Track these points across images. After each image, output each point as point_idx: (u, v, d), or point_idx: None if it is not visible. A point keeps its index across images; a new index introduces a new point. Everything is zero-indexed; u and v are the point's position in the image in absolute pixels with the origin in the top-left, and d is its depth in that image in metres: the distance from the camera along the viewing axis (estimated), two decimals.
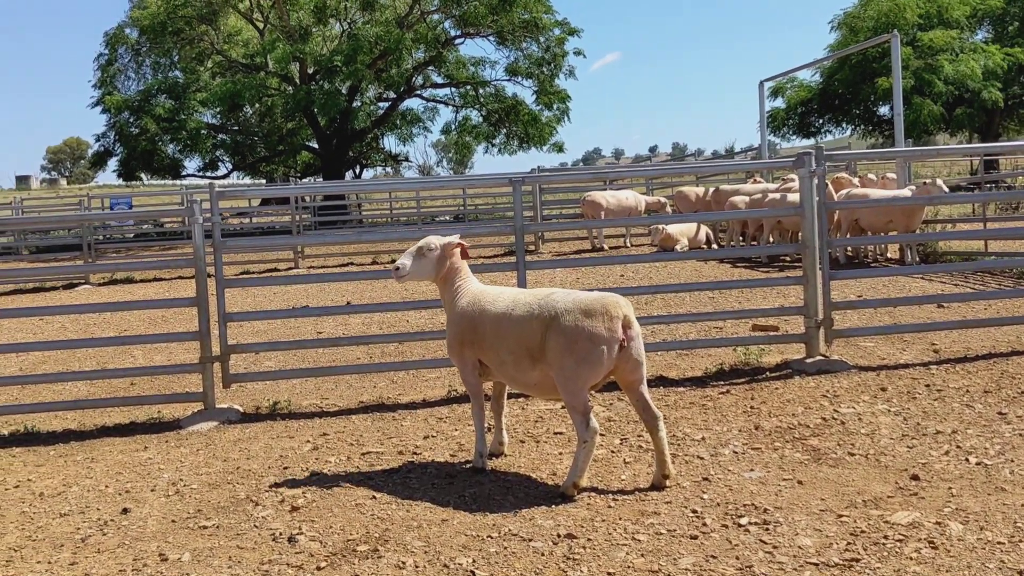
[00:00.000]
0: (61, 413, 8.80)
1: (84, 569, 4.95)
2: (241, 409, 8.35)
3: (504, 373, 6.02)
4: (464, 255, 6.46)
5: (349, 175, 43.77)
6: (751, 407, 7.33)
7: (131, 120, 38.62)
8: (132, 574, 4.83)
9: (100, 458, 7.21)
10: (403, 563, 4.70)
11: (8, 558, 5.21)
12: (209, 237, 8.51)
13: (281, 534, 5.22)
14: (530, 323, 5.74)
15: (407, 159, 48.98)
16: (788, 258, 16.91)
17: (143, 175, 42.75)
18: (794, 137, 47.57)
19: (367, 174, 49.15)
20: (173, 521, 5.61)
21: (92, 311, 10.01)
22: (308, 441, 7.20)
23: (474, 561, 4.68)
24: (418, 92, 41.34)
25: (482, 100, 39.92)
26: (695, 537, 4.81)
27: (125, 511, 5.86)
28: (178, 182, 47.88)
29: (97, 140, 41.85)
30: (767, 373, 8.45)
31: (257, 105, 39.48)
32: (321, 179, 41.47)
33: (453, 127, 42.02)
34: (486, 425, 6.39)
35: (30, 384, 9.90)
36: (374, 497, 5.78)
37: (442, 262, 6.33)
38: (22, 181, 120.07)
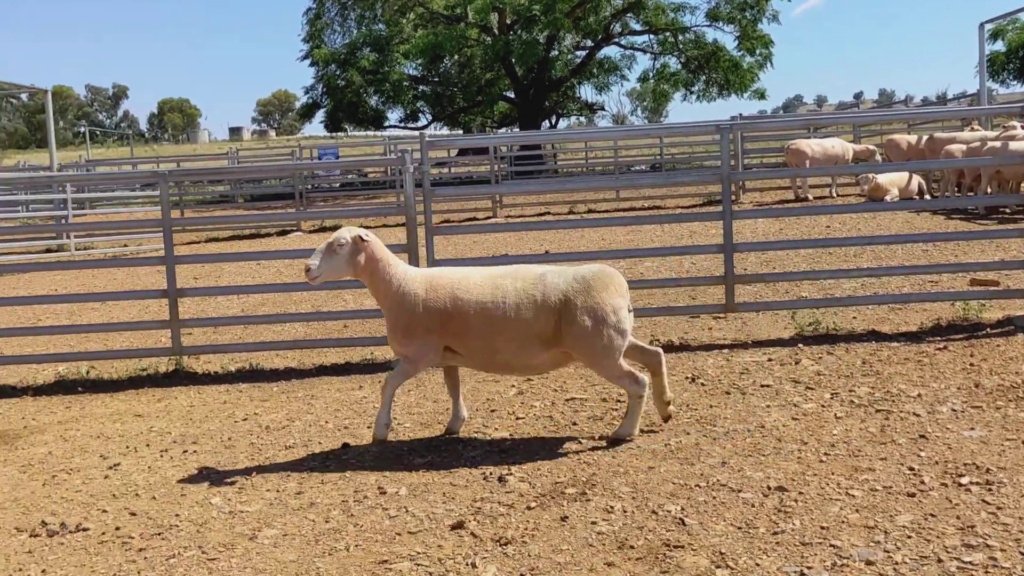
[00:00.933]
0: (282, 352, 9.32)
1: (310, 498, 5.25)
2: None
3: (487, 360, 5.97)
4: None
5: (544, 125, 43.87)
6: (970, 364, 7.01)
7: (337, 73, 39.81)
8: (354, 504, 5.09)
9: (319, 395, 7.61)
10: (611, 507, 4.76)
11: (240, 486, 5.57)
12: (419, 186, 8.76)
13: (491, 474, 5.38)
14: (537, 310, 5.74)
15: (603, 108, 48.75)
16: (1008, 210, 15.93)
17: (347, 126, 44.12)
18: (1014, 83, 44.68)
19: (562, 124, 49.17)
20: (389, 457, 5.87)
21: (305, 256, 10.44)
22: (513, 386, 7.36)
23: (683, 509, 4.69)
24: (616, 40, 40.92)
25: (681, 47, 39.17)
26: (912, 495, 4.66)
27: (345, 446, 6.17)
28: (379, 133, 49.19)
29: (306, 92, 43.53)
30: (987, 329, 8.04)
31: (457, 56, 40.00)
32: (517, 129, 41.76)
33: (651, 75, 41.49)
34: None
35: (252, 324, 10.55)
36: (580, 442, 5.87)
37: (355, 255, 6.06)
38: (234, 132, 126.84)
